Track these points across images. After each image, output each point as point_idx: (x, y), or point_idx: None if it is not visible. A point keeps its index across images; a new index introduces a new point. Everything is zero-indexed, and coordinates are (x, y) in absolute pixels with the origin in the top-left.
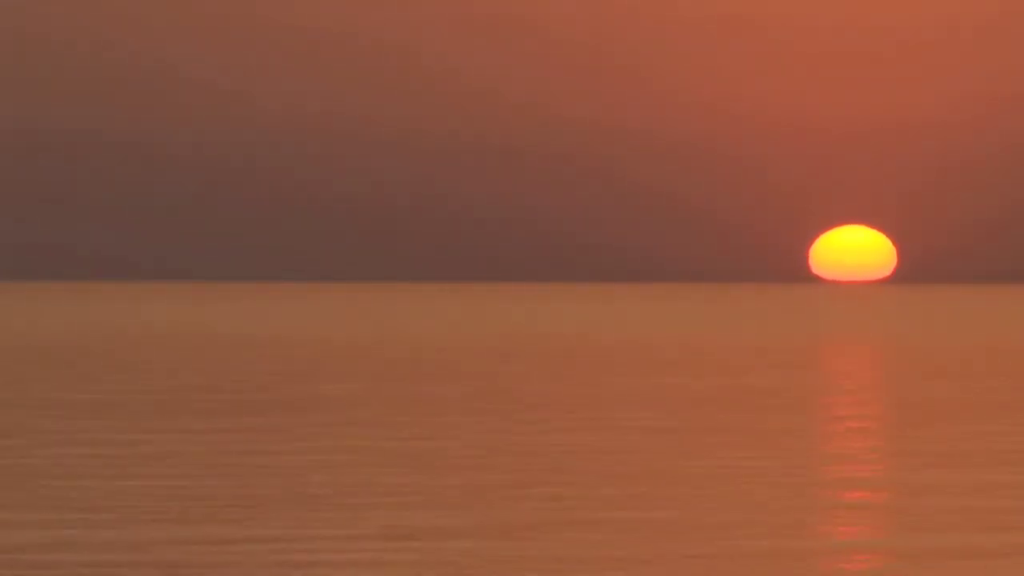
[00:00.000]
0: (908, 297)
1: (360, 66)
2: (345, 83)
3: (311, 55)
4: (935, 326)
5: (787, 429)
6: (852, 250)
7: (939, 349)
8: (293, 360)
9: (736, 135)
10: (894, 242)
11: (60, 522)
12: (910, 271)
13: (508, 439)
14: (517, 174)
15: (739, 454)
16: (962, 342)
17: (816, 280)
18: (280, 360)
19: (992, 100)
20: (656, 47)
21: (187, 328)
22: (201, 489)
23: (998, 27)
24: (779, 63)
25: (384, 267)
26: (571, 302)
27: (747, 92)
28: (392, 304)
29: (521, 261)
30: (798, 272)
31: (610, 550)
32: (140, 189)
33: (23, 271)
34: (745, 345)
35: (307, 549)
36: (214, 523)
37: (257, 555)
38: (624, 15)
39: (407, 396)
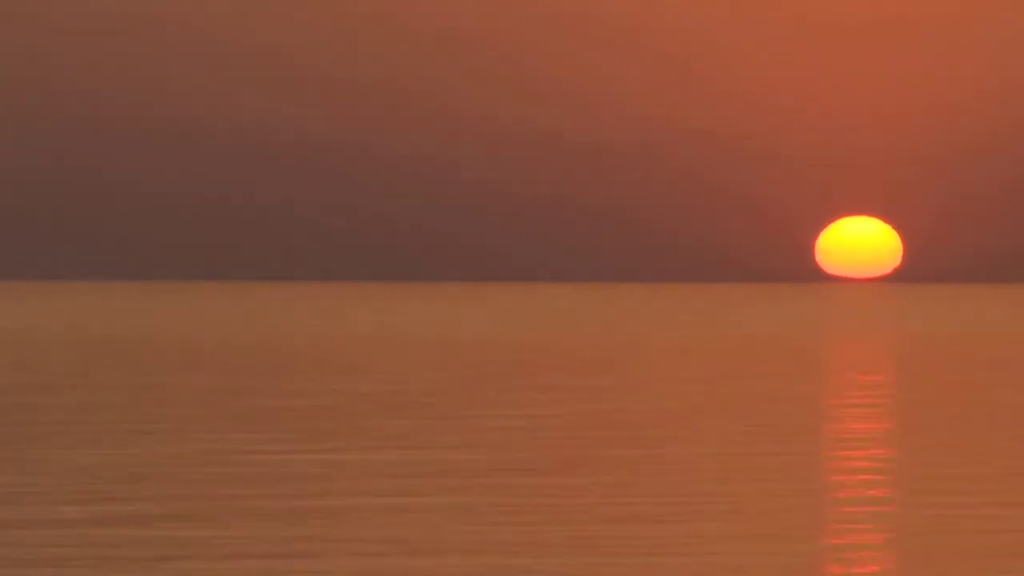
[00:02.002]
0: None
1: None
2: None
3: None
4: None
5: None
6: (858, 244)
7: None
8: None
9: (737, 130)
10: (899, 233)
11: None
12: (917, 264)
13: None
14: (515, 172)
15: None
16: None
17: (824, 277)
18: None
19: (998, 88)
20: (650, 39)
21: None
22: None
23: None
24: (783, 57)
25: (384, 266)
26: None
27: (749, 84)
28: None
29: (519, 261)
30: (804, 267)
31: None
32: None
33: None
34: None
35: None
36: None
37: None
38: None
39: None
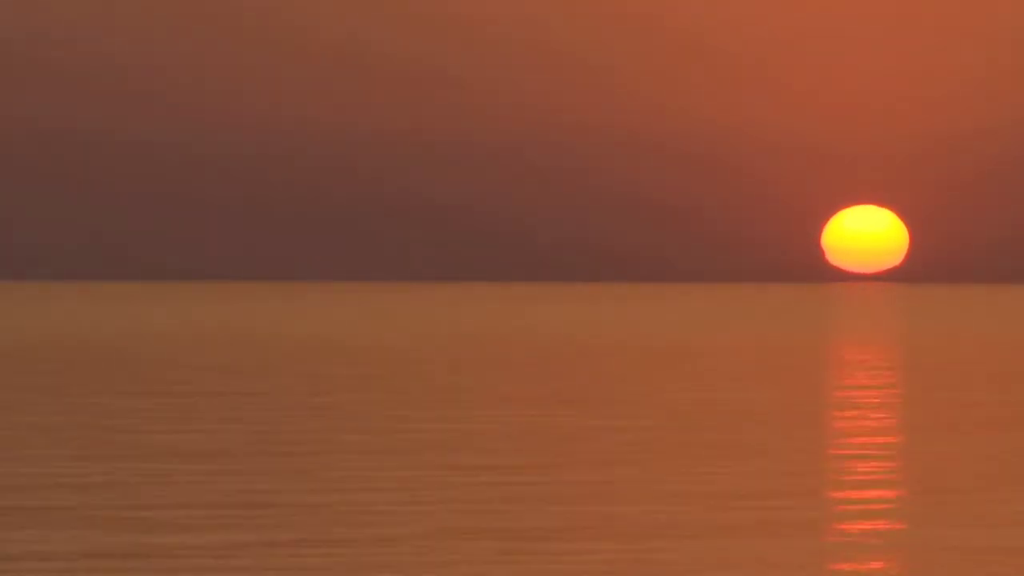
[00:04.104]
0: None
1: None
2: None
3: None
4: None
5: None
6: (864, 235)
7: None
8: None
9: (736, 124)
10: (904, 221)
11: None
12: (924, 255)
13: None
14: (519, 173)
15: None
16: None
17: (831, 271)
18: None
19: (1003, 79)
20: (649, 41)
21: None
22: None
23: None
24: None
25: (380, 267)
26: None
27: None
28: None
29: (522, 261)
30: (810, 259)
31: None
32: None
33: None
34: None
35: None
36: None
37: None
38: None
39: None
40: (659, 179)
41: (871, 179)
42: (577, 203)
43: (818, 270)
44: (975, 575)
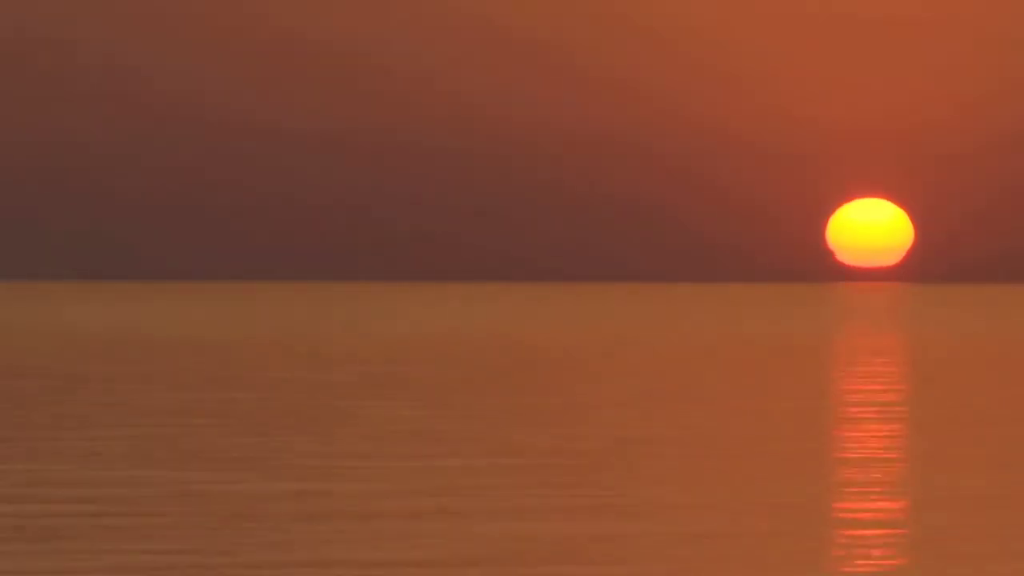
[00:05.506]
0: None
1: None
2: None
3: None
4: None
5: None
6: (869, 230)
7: None
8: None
9: (737, 120)
10: (909, 215)
11: None
12: (928, 248)
13: None
14: (520, 171)
15: None
16: None
17: (838, 267)
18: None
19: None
20: (649, 39)
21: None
22: None
23: None
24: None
25: (377, 266)
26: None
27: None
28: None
29: (527, 261)
30: (815, 256)
31: None
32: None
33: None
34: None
35: None
36: None
37: None
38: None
39: None
40: (657, 180)
41: (873, 173)
42: (577, 204)
43: (822, 267)
44: None
